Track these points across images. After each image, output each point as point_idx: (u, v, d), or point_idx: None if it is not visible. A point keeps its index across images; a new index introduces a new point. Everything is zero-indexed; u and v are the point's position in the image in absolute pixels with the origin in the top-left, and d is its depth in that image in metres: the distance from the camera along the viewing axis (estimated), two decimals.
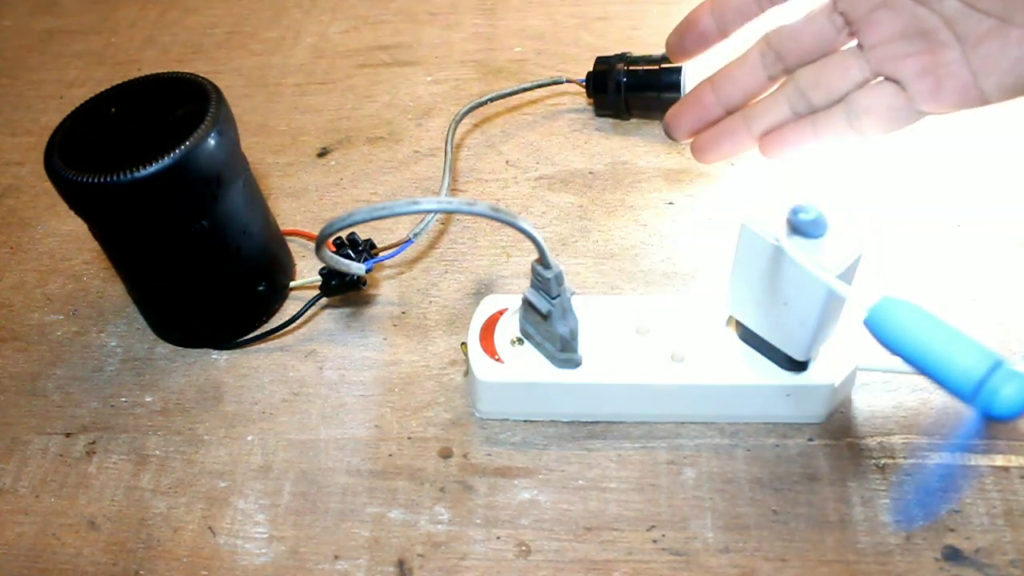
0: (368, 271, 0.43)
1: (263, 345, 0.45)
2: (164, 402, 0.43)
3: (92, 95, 0.41)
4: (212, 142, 0.38)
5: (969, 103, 0.37)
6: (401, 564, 0.36)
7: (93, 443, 0.42)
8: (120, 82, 0.42)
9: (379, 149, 0.55)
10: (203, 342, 0.45)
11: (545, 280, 0.36)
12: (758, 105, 0.43)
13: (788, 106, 0.42)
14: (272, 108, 0.58)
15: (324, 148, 0.55)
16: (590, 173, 0.51)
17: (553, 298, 0.36)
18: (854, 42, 0.40)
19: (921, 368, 0.30)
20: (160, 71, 0.42)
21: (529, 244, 0.33)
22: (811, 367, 0.38)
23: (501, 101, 0.55)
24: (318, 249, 0.34)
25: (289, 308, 0.46)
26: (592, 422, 0.40)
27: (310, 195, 0.52)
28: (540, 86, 0.55)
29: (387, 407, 0.41)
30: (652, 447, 0.39)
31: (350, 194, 0.52)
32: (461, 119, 0.52)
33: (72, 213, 0.39)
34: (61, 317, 0.47)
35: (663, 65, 0.51)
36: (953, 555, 0.35)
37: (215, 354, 0.45)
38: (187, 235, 0.40)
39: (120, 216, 0.38)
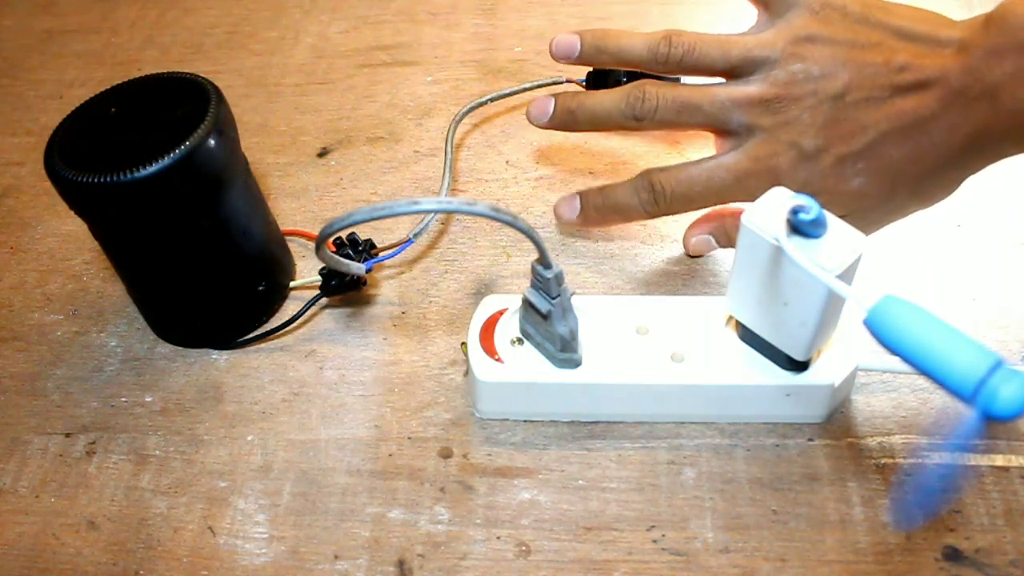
0: (368, 271, 0.43)
1: (263, 345, 0.45)
2: (164, 402, 0.43)
3: (92, 95, 0.41)
4: (212, 142, 0.38)
5: None
6: (401, 564, 0.36)
7: (93, 443, 0.42)
8: (120, 82, 0.42)
9: (379, 149, 0.55)
10: (203, 342, 0.45)
11: (545, 280, 0.36)
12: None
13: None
14: (272, 108, 0.58)
15: (324, 148, 0.55)
16: (590, 173, 0.51)
17: (553, 298, 0.36)
18: None
19: (921, 368, 0.30)
20: (160, 71, 0.42)
21: (529, 244, 0.33)
22: (811, 367, 0.38)
23: (501, 101, 0.54)
24: (318, 249, 0.34)
25: (289, 308, 0.46)
26: (592, 422, 0.40)
27: (310, 195, 0.52)
28: (540, 86, 0.55)
29: (387, 407, 0.41)
30: (652, 447, 0.39)
31: (350, 194, 0.52)
32: (461, 119, 0.52)
33: (72, 213, 0.39)
34: (61, 317, 0.47)
35: None
36: (953, 555, 0.35)
37: (215, 354, 0.45)
38: (187, 235, 0.40)
39: (120, 216, 0.38)
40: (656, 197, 0.42)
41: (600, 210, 0.44)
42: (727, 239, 0.44)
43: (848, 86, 0.38)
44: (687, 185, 0.41)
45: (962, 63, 0.37)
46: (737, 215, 0.42)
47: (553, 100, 0.44)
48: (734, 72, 0.41)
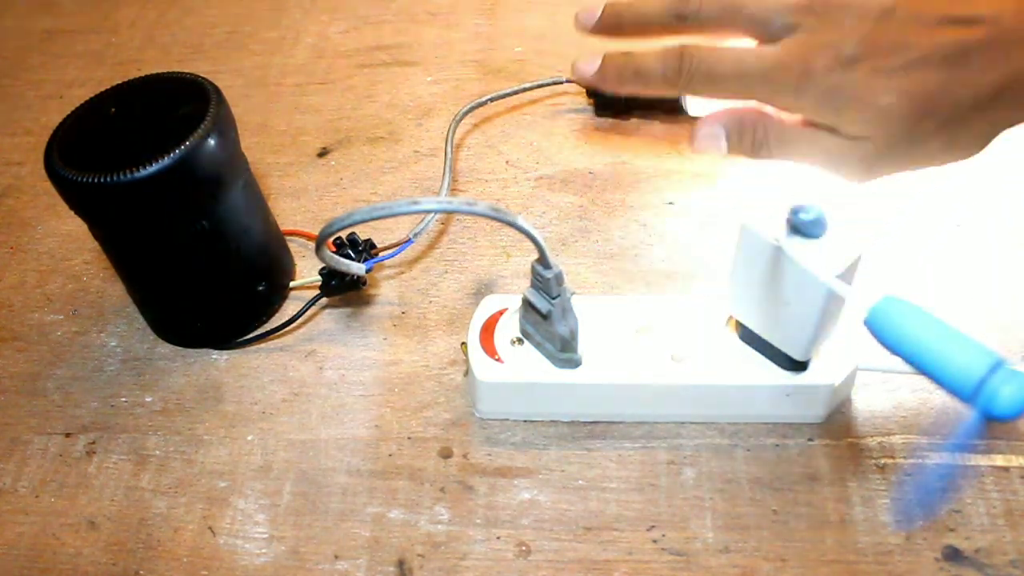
0: (368, 271, 0.43)
1: (263, 345, 0.45)
2: (164, 402, 0.43)
3: (92, 95, 0.41)
4: (212, 142, 0.38)
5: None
6: (401, 564, 0.36)
7: (93, 443, 0.42)
8: (120, 82, 0.42)
9: (379, 149, 0.55)
10: (203, 342, 0.45)
11: (545, 280, 0.36)
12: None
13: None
14: (272, 108, 0.58)
15: (324, 148, 0.55)
16: (590, 173, 0.51)
17: (553, 298, 0.36)
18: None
19: (921, 368, 0.30)
20: (160, 71, 0.42)
21: (529, 244, 0.33)
22: (811, 367, 0.38)
23: (501, 101, 0.55)
24: (318, 249, 0.34)
25: (289, 308, 0.46)
26: (592, 422, 0.40)
27: (310, 195, 0.52)
28: (540, 86, 0.55)
29: (387, 407, 0.41)
30: (652, 447, 0.39)
31: (350, 194, 0.52)
32: (461, 119, 0.52)
33: (72, 213, 0.39)
34: (61, 317, 0.47)
35: None
36: (953, 555, 0.35)
37: (215, 354, 0.45)
38: (187, 235, 0.40)
39: (120, 216, 0.38)
40: (682, 66, 0.40)
41: (620, 70, 0.42)
42: (738, 141, 0.42)
43: (899, 2, 0.38)
44: (715, 60, 0.40)
45: (1017, 5, 0.37)
46: (758, 116, 0.41)
47: (604, 3, 0.43)
48: None
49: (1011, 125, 0.38)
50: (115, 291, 0.48)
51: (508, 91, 0.53)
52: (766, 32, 0.40)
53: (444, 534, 0.37)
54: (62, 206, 0.39)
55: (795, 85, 0.39)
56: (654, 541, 0.36)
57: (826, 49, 0.38)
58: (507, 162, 0.53)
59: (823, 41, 0.38)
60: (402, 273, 0.47)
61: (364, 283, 0.44)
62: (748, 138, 0.42)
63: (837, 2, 0.39)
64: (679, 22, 0.41)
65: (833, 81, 0.38)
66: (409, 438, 0.40)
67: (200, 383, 0.43)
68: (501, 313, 0.41)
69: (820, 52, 0.38)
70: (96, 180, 0.36)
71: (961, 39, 0.37)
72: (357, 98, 0.58)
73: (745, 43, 0.41)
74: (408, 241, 0.45)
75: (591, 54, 0.43)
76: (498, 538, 0.37)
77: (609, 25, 0.43)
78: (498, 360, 0.39)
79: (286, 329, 0.45)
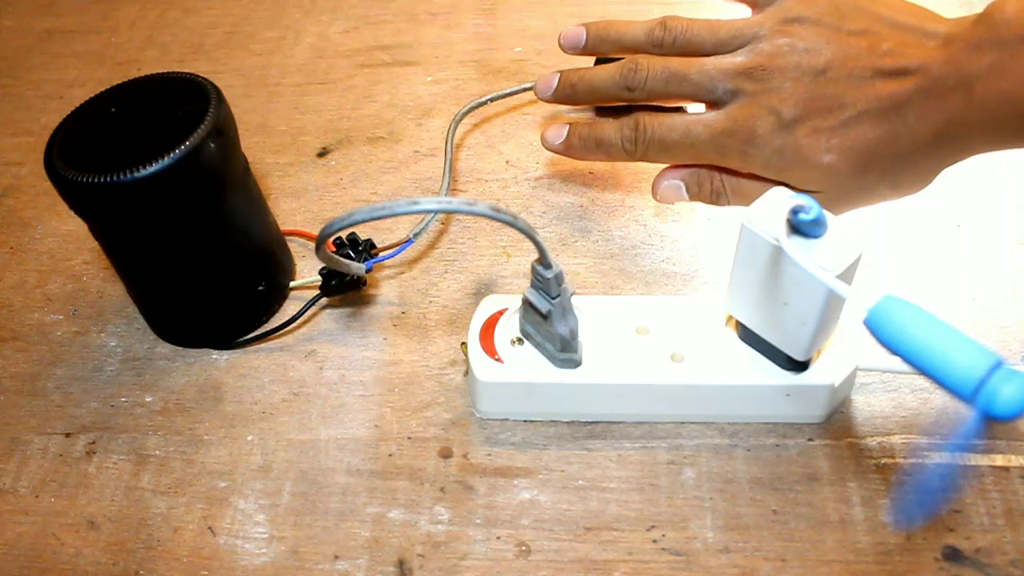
0: (368, 271, 0.43)
1: (263, 345, 0.45)
2: (164, 402, 0.43)
3: (92, 95, 0.41)
4: (212, 142, 0.38)
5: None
6: (401, 564, 0.36)
7: (93, 443, 0.42)
8: (120, 82, 0.42)
9: (379, 149, 0.55)
10: (203, 342, 0.45)
11: (545, 280, 0.36)
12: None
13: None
14: (272, 108, 0.58)
15: (324, 148, 0.55)
16: (590, 173, 0.51)
17: (553, 298, 0.36)
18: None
19: (921, 368, 0.30)
20: (160, 71, 0.42)
21: (529, 244, 0.33)
22: (811, 367, 0.38)
23: (501, 101, 0.55)
24: (318, 249, 0.34)
25: (289, 308, 0.46)
26: (592, 422, 0.40)
27: (310, 195, 0.52)
28: None
29: (387, 407, 0.41)
30: (652, 447, 0.39)
31: (350, 194, 0.52)
32: (461, 119, 0.52)
33: (72, 213, 0.39)
34: (61, 317, 0.47)
35: None
36: (953, 555, 0.35)
37: (215, 354, 0.45)
38: (187, 235, 0.40)
39: (120, 216, 0.38)
40: (637, 136, 0.43)
41: (584, 140, 0.45)
42: (697, 190, 0.44)
43: (831, 63, 0.39)
44: (667, 130, 0.42)
45: (944, 54, 0.37)
46: (713, 168, 0.43)
47: (558, 75, 0.46)
48: (723, 48, 0.42)
49: (953, 163, 0.39)
50: (115, 291, 0.48)
51: (508, 91, 0.53)
52: (711, 98, 0.42)
53: (444, 534, 0.37)
54: (62, 206, 0.39)
55: (741, 150, 0.41)
56: (654, 541, 0.36)
57: (767, 113, 0.40)
58: (507, 162, 0.53)
59: (763, 105, 0.40)
60: (402, 273, 0.47)
61: (364, 283, 0.44)
62: (706, 188, 0.44)
63: (774, 66, 0.40)
64: (628, 92, 0.43)
65: (776, 144, 0.40)
66: (409, 438, 0.40)
67: (200, 383, 0.43)
68: (501, 313, 0.41)
69: (761, 117, 0.40)
70: (96, 180, 0.36)
71: (894, 92, 0.38)
72: (357, 98, 0.58)
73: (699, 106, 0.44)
74: (408, 241, 0.45)
75: (558, 125, 0.47)
76: (498, 538, 0.37)
77: (564, 95, 0.46)
78: (498, 360, 0.39)
79: (286, 329, 0.45)
